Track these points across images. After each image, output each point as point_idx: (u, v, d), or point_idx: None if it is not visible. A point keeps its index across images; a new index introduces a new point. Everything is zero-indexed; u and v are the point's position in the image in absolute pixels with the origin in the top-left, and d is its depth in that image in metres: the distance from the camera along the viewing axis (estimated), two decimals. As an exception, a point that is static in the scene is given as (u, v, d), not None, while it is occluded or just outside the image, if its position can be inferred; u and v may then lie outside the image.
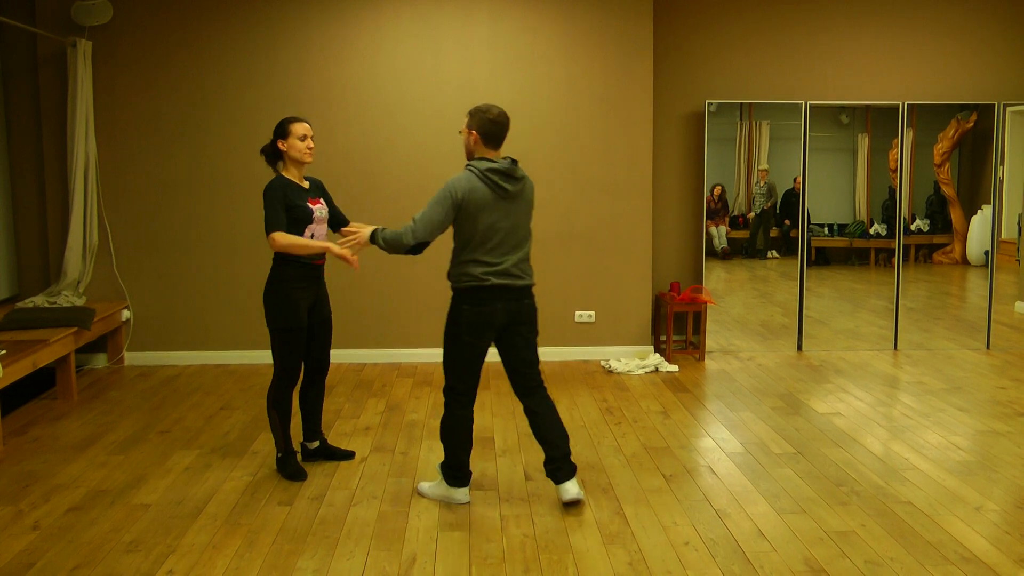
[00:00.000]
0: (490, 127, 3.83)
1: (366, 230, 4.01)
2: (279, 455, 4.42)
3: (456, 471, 4.03)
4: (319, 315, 4.41)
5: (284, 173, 4.27)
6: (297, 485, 4.28)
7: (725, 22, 7.15)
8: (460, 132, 3.97)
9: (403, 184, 6.73)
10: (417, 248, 3.89)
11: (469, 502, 4.04)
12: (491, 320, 3.91)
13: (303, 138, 4.21)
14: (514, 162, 3.88)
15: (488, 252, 3.85)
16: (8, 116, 6.69)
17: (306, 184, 4.32)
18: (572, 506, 3.98)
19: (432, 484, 4.13)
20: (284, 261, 4.23)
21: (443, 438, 4.03)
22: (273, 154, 4.27)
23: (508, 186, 3.83)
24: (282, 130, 4.22)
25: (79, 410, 5.60)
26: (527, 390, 4.08)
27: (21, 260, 6.82)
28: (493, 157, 3.87)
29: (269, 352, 6.79)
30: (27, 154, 6.72)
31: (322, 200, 4.34)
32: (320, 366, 4.51)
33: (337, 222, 4.45)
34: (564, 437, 4.02)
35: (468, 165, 3.86)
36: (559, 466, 3.98)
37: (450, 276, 3.95)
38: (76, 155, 6.43)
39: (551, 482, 4.08)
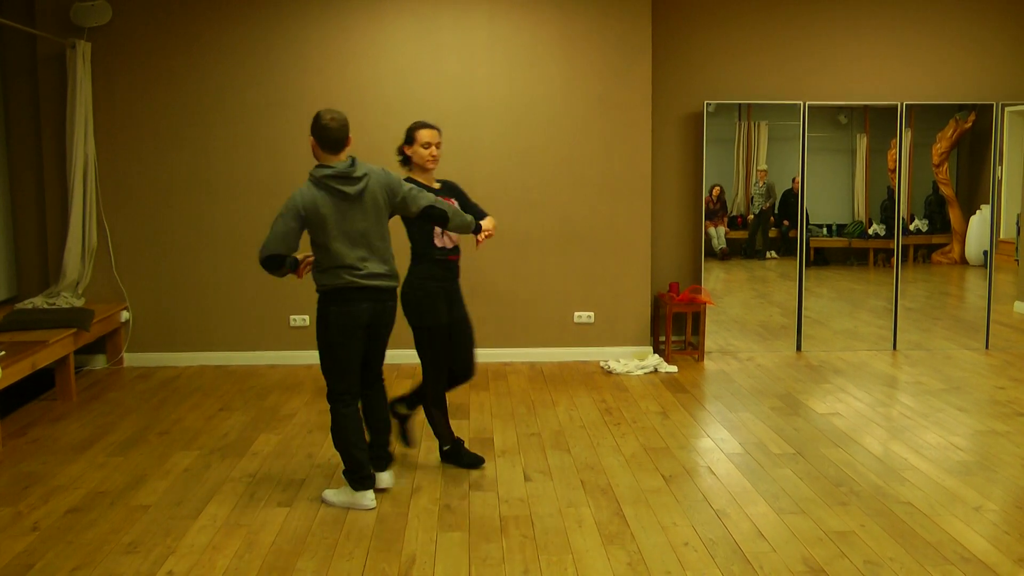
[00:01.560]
0: (323, 132, 3.86)
1: None
2: (445, 448, 4.54)
3: (355, 473, 4.00)
4: (457, 314, 4.46)
5: (412, 175, 4.34)
6: (296, 486, 4.28)
7: (724, 23, 7.16)
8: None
9: (402, 185, 6.73)
10: (270, 262, 3.88)
11: (374, 508, 4.00)
12: (358, 320, 3.94)
13: (427, 145, 4.27)
14: (353, 162, 3.88)
15: (347, 256, 3.88)
16: (7, 117, 6.69)
17: (436, 186, 4.39)
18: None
19: (336, 491, 4.09)
20: (418, 259, 4.34)
21: (335, 443, 4.06)
22: (404, 158, 4.36)
23: (347, 188, 3.84)
24: (408, 136, 4.31)
25: (78, 411, 5.60)
26: (369, 382, 4.19)
27: (20, 261, 6.82)
28: (332, 162, 3.88)
29: (268, 353, 6.83)
30: (26, 155, 6.72)
31: (455, 201, 4.38)
32: (464, 370, 4.54)
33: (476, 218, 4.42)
34: (388, 427, 4.29)
35: (309, 174, 3.91)
36: (378, 454, 4.21)
37: (316, 282, 3.99)
38: (75, 156, 6.43)
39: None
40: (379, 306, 3.98)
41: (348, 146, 3.94)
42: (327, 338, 3.96)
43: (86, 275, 6.63)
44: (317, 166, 3.88)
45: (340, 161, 3.89)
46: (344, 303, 3.91)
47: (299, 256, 4.00)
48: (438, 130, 4.36)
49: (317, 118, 3.86)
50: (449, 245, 4.35)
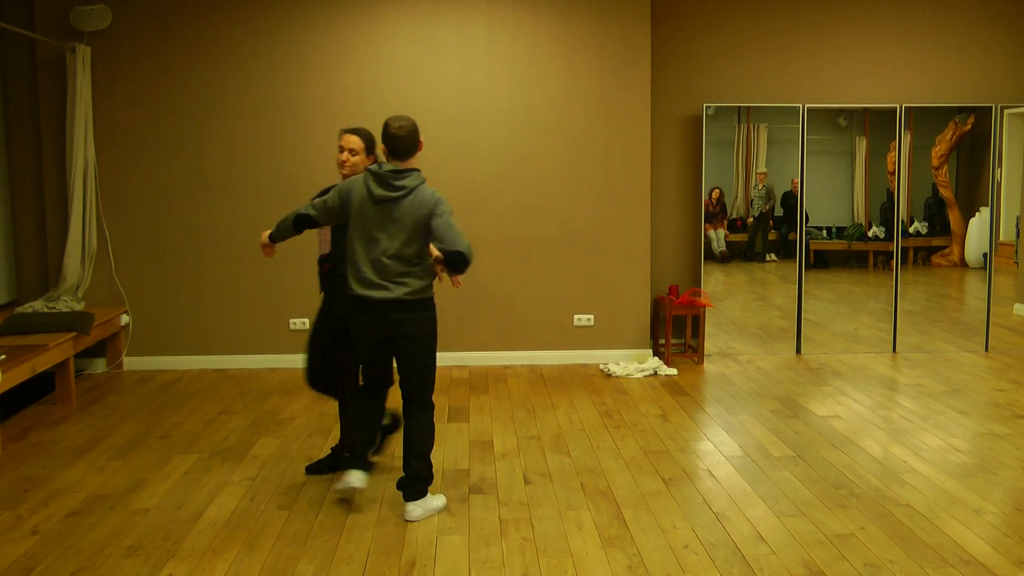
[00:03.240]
0: (390, 141, 3.85)
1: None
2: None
3: (351, 450, 4.06)
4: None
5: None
6: (296, 489, 4.28)
7: (723, 26, 7.17)
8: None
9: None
10: (299, 218, 4.03)
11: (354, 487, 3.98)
12: (358, 325, 3.98)
13: (340, 150, 4.24)
14: (402, 172, 3.82)
15: (356, 255, 3.92)
16: (7, 121, 6.70)
17: None
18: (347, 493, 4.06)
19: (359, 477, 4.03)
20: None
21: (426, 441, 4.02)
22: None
23: (376, 190, 3.80)
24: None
25: (78, 415, 5.60)
26: (405, 398, 4.05)
27: (20, 265, 6.82)
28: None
29: (268, 357, 6.83)
30: (26, 159, 6.73)
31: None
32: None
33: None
34: (371, 443, 4.17)
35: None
36: (355, 457, 4.09)
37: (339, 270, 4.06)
38: (75, 160, 6.44)
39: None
40: (381, 318, 3.84)
41: (419, 150, 3.89)
42: (435, 340, 4.02)
43: (86, 279, 6.63)
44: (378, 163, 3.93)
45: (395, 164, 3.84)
46: (354, 308, 3.95)
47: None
48: (358, 135, 4.25)
49: (385, 126, 3.83)
50: (324, 251, 4.35)
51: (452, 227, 3.76)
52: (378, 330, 3.88)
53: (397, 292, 3.82)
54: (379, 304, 3.83)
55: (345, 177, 4.22)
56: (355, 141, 4.21)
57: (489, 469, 4.56)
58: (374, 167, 3.84)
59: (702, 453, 4.80)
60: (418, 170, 3.88)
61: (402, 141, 3.82)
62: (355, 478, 3.97)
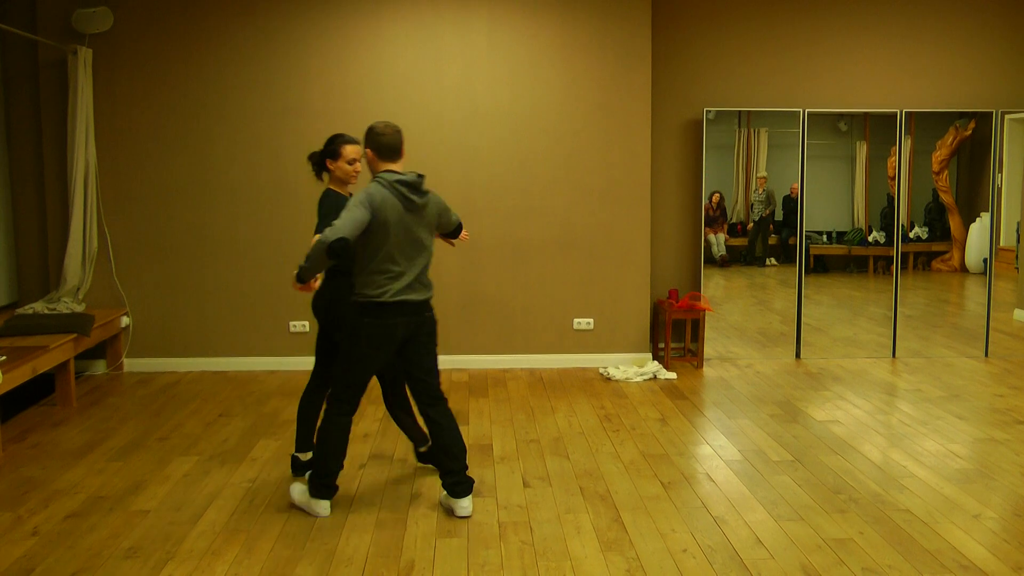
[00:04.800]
0: (378, 140, 3.88)
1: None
2: (422, 449, 4.63)
3: (321, 479, 3.99)
4: None
5: (332, 187, 4.30)
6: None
7: (723, 30, 7.18)
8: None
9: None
10: (340, 244, 3.67)
11: (327, 516, 3.98)
12: (394, 334, 3.90)
13: (352, 161, 4.24)
14: (421, 176, 3.90)
15: (398, 265, 3.86)
16: (9, 123, 6.71)
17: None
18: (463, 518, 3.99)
19: (302, 488, 4.09)
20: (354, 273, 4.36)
21: (315, 444, 4.04)
22: (319, 166, 4.31)
23: (415, 198, 3.85)
24: (333, 151, 4.24)
25: (78, 416, 5.61)
26: (430, 399, 4.05)
27: (21, 266, 6.83)
28: (396, 169, 3.91)
29: (268, 359, 6.83)
30: (27, 161, 6.74)
31: None
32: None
33: None
34: (464, 451, 4.05)
35: (378, 177, 3.89)
36: (458, 480, 4.01)
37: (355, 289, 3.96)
38: (76, 162, 6.45)
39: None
40: (417, 319, 3.92)
41: (403, 157, 3.94)
42: (358, 347, 3.88)
43: (86, 280, 6.64)
44: (385, 171, 3.87)
45: (406, 171, 3.89)
46: (381, 315, 3.85)
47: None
48: (361, 145, 4.27)
49: (370, 129, 3.88)
50: None
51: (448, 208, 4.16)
52: (407, 333, 3.92)
53: (430, 292, 4.00)
54: (417, 305, 3.92)
55: (345, 187, 4.30)
56: (360, 150, 4.26)
57: (488, 472, 4.56)
58: (406, 176, 3.83)
59: (701, 457, 4.80)
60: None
61: (397, 140, 3.90)
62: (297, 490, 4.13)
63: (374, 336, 3.86)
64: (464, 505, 3.98)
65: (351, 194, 4.33)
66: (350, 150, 4.23)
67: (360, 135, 6.66)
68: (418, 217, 3.89)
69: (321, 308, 4.26)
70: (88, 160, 6.54)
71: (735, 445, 4.99)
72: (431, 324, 4.03)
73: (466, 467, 4.04)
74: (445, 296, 6.77)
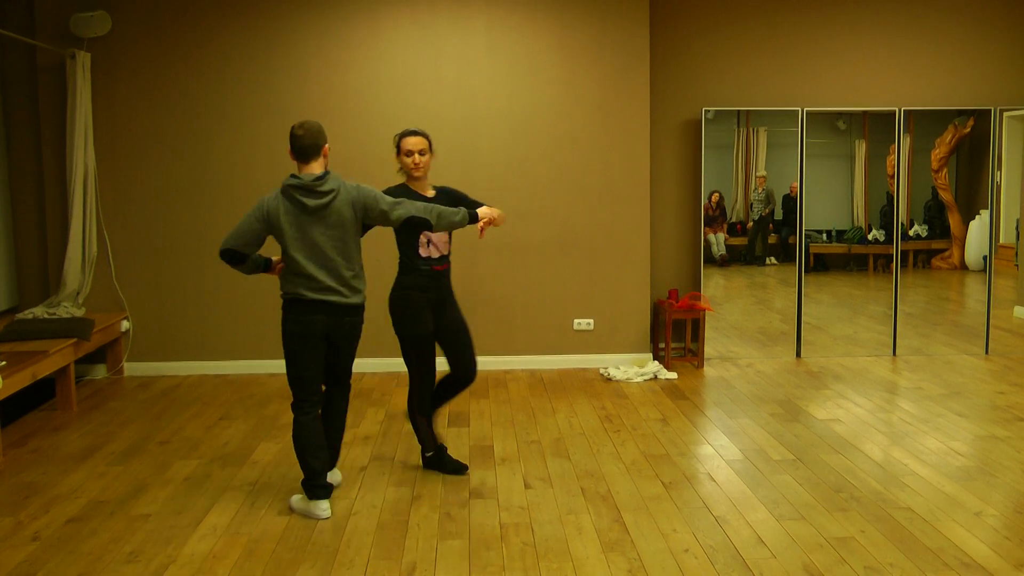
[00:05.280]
0: (292, 141, 3.97)
1: None
2: (428, 455, 4.56)
3: (308, 481, 4.04)
4: (448, 320, 4.44)
5: (408, 184, 4.39)
6: (296, 495, 4.27)
7: (722, 30, 7.18)
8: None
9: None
10: (226, 255, 3.99)
11: (327, 518, 4.00)
12: (311, 330, 4.00)
13: (408, 153, 4.31)
14: (321, 177, 3.93)
15: (303, 267, 3.94)
16: (7, 127, 6.71)
17: (431, 193, 4.42)
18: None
19: (300, 498, 4.13)
20: (403, 269, 4.38)
21: (294, 449, 4.12)
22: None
23: (307, 201, 3.90)
24: (396, 145, 4.38)
25: (79, 421, 5.61)
26: (334, 392, 4.29)
27: (21, 271, 6.83)
28: (302, 172, 3.97)
29: (268, 362, 6.83)
30: (26, 165, 6.74)
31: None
32: (465, 373, 4.49)
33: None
34: (340, 434, 4.35)
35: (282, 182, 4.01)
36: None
37: (280, 288, 4.09)
38: (75, 166, 6.45)
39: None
40: (334, 320, 4.01)
41: (322, 156, 3.99)
42: (286, 344, 4.03)
43: (86, 285, 6.64)
44: (290, 175, 3.96)
45: (309, 172, 3.94)
46: (298, 312, 3.98)
47: (274, 259, 4.11)
48: (423, 136, 4.34)
49: (291, 129, 3.96)
50: (435, 255, 4.34)
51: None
52: (327, 331, 4.06)
53: (355, 297, 4.11)
54: (336, 307, 4.05)
55: (414, 181, 4.35)
56: (423, 142, 4.32)
57: (489, 474, 4.56)
58: (301, 179, 3.91)
59: (702, 457, 4.80)
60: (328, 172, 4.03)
61: (307, 141, 3.95)
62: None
63: (295, 333, 4.00)
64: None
65: (434, 186, 4.46)
66: (407, 143, 4.33)
67: (359, 136, 6.73)
68: (317, 219, 3.92)
69: None
70: (87, 164, 6.54)
71: (736, 444, 4.99)
72: (350, 329, 4.10)
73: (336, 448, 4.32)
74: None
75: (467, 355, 4.48)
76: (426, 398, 4.47)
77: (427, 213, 4.06)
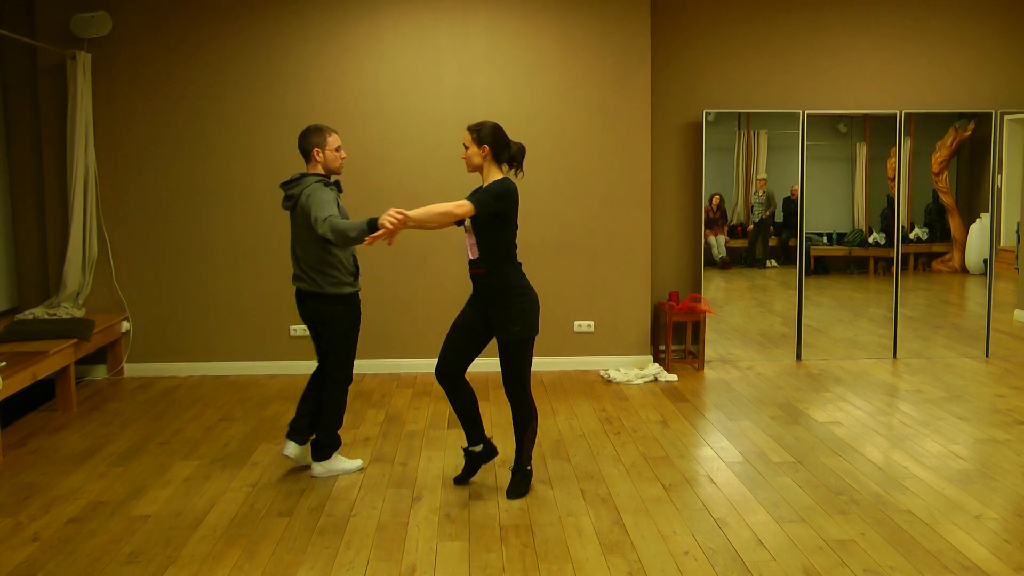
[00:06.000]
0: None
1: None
2: (530, 469, 4.36)
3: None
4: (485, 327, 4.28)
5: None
6: (296, 495, 4.28)
7: (723, 32, 7.18)
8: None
9: (403, 192, 6.73)
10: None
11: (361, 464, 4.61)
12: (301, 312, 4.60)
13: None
14: (295, 178, 4.45)
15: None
16: (8, 128, 6.71)
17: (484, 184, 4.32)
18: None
19: (324, 465, 4.56)
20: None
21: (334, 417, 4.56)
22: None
23: (284, 198, 4.49)
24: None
25: (79, 422, 5.61)
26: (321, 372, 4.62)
27: (21, 272, 6.83)
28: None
29: (269, 363, 6.83)
30: (27, 166, 6.74)
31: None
32: (440, 373, 4.35)
33: None
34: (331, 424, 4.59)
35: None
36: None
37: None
38: (75, 166, 6.45)
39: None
40: (299, 305, 4.49)
41: (313, 159, 4.42)
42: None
43: (86, 285, 6.64)
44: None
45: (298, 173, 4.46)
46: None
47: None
48: (468, 130, 4.16)
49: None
50: (470, 256, 4.19)
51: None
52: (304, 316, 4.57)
53: (304, 283, 4.51)
54: (298, 292, 4.57)
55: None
56: (465, 136, 4.17)
57: (489, 475, 4.56)
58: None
59: (702, 459, 4.79)
60: (306, 174, 4.44)
61: (300, 142, 4.47)
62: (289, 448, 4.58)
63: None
64: (290, 446, 4.58)
65: (487, 185, 4.19)
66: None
67: (359, 137, 6.72)
68: (293, 213, 4.42)
69: None
70: (87, 165, 6.54)
71: (736, 447, 4.98)
72: (313, 313, 4.45)
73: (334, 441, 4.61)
74: (446, 298, 6.75)
75: (457, 366, 4.28)
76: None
77: (326, 227, 4.12)
